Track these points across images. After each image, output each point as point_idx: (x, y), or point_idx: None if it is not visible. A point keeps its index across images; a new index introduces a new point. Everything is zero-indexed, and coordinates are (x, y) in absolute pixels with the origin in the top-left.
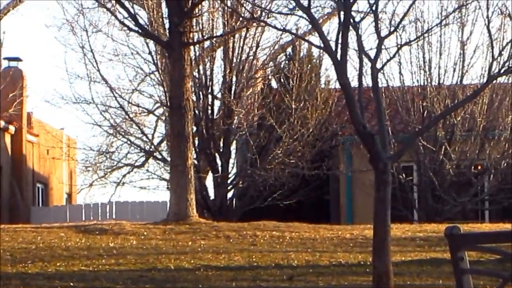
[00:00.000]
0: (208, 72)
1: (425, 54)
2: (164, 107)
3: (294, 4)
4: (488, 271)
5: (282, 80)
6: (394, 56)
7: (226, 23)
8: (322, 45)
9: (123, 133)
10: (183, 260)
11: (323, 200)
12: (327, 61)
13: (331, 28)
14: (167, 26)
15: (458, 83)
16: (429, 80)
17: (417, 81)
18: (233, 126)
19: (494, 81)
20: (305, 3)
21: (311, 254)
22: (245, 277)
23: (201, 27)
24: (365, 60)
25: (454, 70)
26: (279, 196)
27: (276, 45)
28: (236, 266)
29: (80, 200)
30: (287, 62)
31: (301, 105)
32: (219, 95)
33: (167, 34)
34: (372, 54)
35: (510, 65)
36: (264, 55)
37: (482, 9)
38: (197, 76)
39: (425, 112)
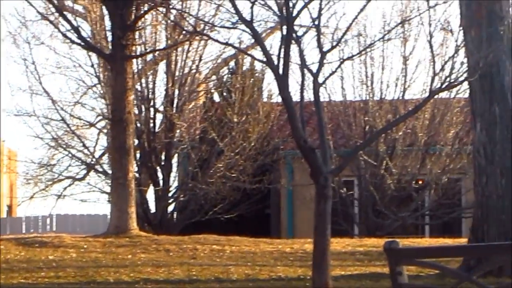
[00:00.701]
0: (151, 85)
1: (367, 68)
2: (106, 120)
3: (237, 18)
4: (426, 286)
5: (224, 93)
6: (336, 70)
7: (169, 36)
8: (264, 59)
9: (64, 146)
10: (123, 273)
11: (264, 214)
12: (269, 75)
13: (274, 42)
14: (110, 39)
15: (400, 98)
16: (371, 95)
17: (359, 95)
18: (175, 140)
19: (436, 96)
20: (248, 17)
21: (251, 268)
22: None
23: (144, 40)
24: (308, 74)
25: (396, 85)
26: (220, 209)
27: (219, 58)
28: (175, 280)
29: (21, 213)
30: (229, 75)
31: (243, 119)
32: (161, 109)
33: (110, 47)
34: (314, 68)
35: (452, 80)
36: (207, 69)
37: (425, 25)
38: (139, 89)
39: (367, 127)
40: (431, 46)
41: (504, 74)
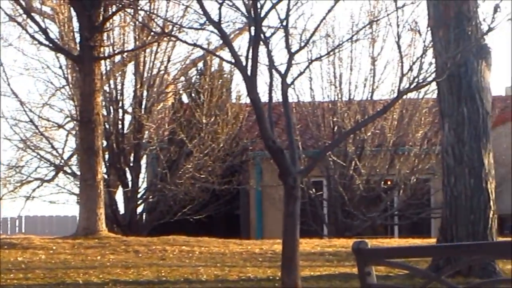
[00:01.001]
0: (119, 87)
1: (335, 69)
2: (74, 122)
3: (205, 19)
4: (395, 286)
5: (193, 95)
6: (304, 71)
7: (137, 37)
8: (232, 60)
9: (33, 148)
10: (92, 274)
11: (233, 215)
12: (238, 76)
13: (242, 43)
14: (78, 40)
15: (369, 98)
16: (339, 96)
17: (328, 96)
18: (144, 141)
19: (404, 97)
20: (216, 18)
21: (220, 269)
22: None
23: (112, 42)
24: (276, 75)
25: (365, 86)
26: (189, 210)
27: (187, 60)
28: (145, 281)
29: None
30: (198, 77)
31: (212, 120)
32: (129, 110)
33: (78, 48)
34: (282, 69)
35: (420, 81)
36: (175, 70)
37: (393, 25)
38: (107, 90)
39: (335, 128)
40: (399, 47)
41: (472, 74)
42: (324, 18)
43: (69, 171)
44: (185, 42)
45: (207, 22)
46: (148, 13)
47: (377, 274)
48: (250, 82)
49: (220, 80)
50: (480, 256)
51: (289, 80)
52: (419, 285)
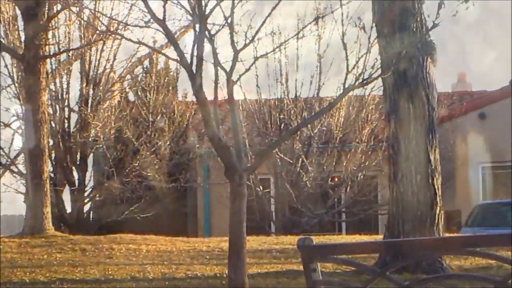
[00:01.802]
0: (65, 85)
1: (282, 66)
2: (21, 121)
3: (150, 17)
4: (341, 282)
5: (139, 93)
6: (249, 68)
7: (82, 36)
8: (178, 58)
9: None
10: (39, 273)
11: (180, 213)
12: (184, 74)
13: (188, 40)
14: (23, 39)
15: (315, 95)
16: (286, 93)
17: (274, 93)
18: (90, 139)
19: (350, 94)
20: (161, 16)
21: (168, 267)
22: None
23: (57, 40)
24: (222, 72)
25: (311, 83)
26: (136, 209)
27: (133, 58)
28: (91, 279)
29: None
30: (144, 75)
31: (158, 117)
32: (75, 108)
33: (23, 47)
34: (228, 66)
35: (365, 77)
36: (121, 68)
37: (338, 22)
38: (53, 89)
39: (282, 125)
40: (344, 44)
41: (417, 70)
42: (269, 15)
43: (15, 170)
44: (130, 40)
45: (152, 20)
46: (93, 11)
47: (324, 270)
48: (196, 79)
49: (166, 78)
50: (427, 252)
51: (234, 77)
52: (366, 281)
